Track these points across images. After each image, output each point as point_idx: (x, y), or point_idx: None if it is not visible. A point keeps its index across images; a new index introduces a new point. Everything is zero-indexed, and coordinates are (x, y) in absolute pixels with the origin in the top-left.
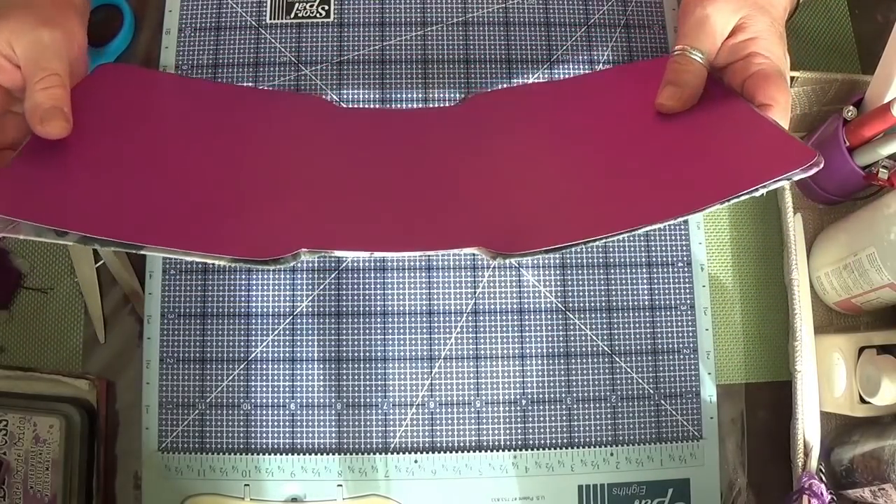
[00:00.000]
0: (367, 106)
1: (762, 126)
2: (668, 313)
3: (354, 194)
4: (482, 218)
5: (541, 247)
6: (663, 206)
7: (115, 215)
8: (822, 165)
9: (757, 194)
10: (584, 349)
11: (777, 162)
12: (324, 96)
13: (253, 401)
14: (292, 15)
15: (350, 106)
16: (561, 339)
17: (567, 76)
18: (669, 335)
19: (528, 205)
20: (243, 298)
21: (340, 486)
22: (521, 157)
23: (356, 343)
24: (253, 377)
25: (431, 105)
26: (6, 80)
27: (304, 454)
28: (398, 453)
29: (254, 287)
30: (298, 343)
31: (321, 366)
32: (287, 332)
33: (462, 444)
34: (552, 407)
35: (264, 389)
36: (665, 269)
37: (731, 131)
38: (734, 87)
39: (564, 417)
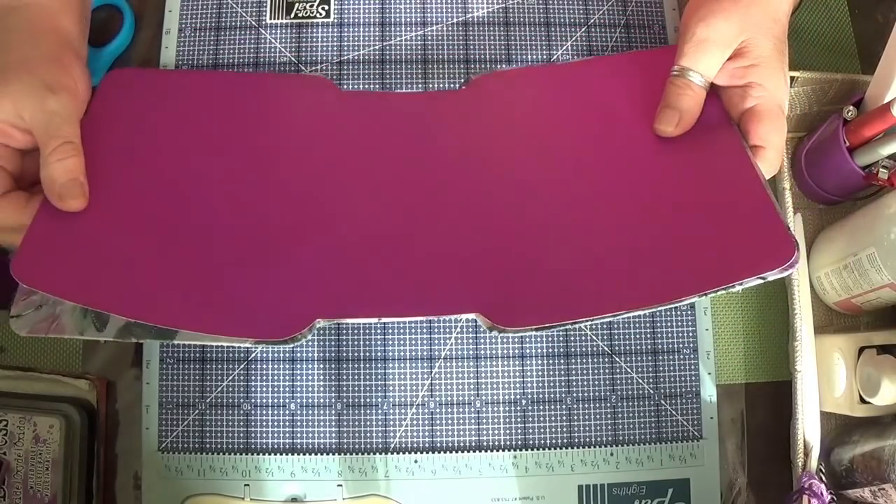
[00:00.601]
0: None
1: (751, 191)
2: (668, 313)
3: (363, 250)
4: (482, 282)
5: (533, 324)
6: (648, 293)
7: (141, 290)
8: (797, 266)
9: (734, 290)
10: (584, 349)
11: (758, 256)
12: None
13: (253, 401)
14: (292, 15)
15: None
16: (561, 339)
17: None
18: (669, 335)
19: (524, 268)
20: None
21: (340, 486)
22: (523, 198)
23: (356, 343)
24: (253, 377)
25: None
26: (18, 144)
27: (304, 454)
28: (398, 453)
29: None
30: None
31: (321, 366)
32: None
33: (462, 444)
34: (552, 407)
35: (264, 389)
36: None
37: (722, 192)
38: (731, 115)
39: (564, 417)
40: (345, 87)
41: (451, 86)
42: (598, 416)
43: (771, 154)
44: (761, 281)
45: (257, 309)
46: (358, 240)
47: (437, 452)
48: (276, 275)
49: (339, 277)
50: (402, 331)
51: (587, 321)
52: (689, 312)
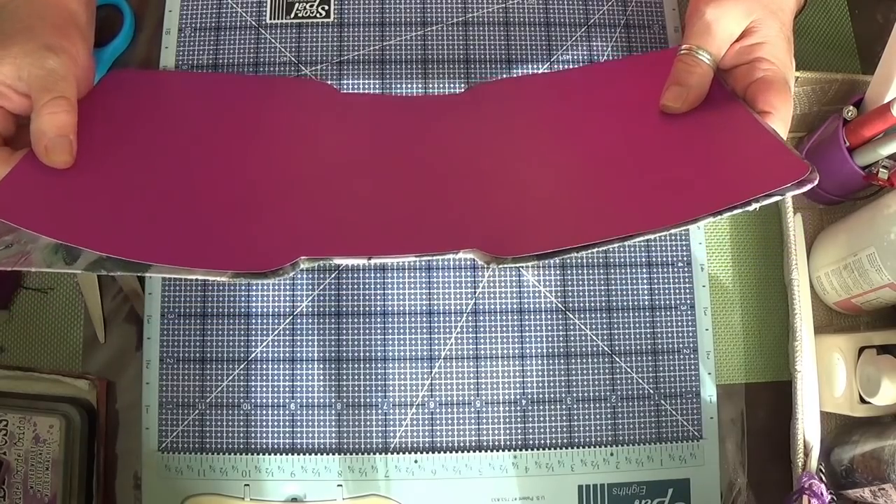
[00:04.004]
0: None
1: (759, 134)
2: (668, 313)
3: (353, 195)
4: (480, 220)
5: (534, 251)
6: (656, 215)
7: (118, 229)
8: (816, 181)
9: (750, 208)
10: (584, 349)
11: (771, 175)
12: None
13: (253, 401)
14: (292, 15)
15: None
16: (561, 339)
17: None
18: (669, 335)
19: (525, 206)
20: (243, 298)
21: (340, 486)
22: (522, 153)
23: (356, 343)
24: (253, 377)
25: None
26: (12, 107)
27: (304, 454)
28: (398, 453)
29: (254, 287)
30: (298, 343)
31: (321, 366)
32: (287, 332)
33: (462, 444)
34: (552, 407)
35: (264, 389)
36: (665, 269)
37: (729, 138)
38: (737, 90)
39: (564, 417)
40: (345, 86)
41: (451, 85)
42: (598, 416)
43: (778, 120)
44: (779, 197)
45: (237, 245)
46: (348, 192)
47: (437, 452)
48: (260, 216)
49: (327, 220)
50: (402, 331)
51: (593, 248)
52: (690, 312)
